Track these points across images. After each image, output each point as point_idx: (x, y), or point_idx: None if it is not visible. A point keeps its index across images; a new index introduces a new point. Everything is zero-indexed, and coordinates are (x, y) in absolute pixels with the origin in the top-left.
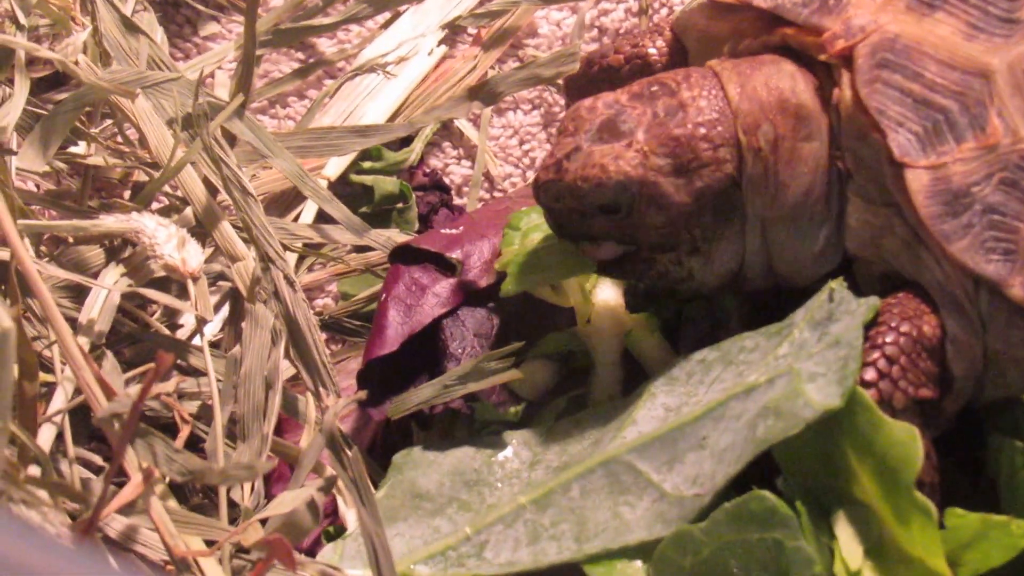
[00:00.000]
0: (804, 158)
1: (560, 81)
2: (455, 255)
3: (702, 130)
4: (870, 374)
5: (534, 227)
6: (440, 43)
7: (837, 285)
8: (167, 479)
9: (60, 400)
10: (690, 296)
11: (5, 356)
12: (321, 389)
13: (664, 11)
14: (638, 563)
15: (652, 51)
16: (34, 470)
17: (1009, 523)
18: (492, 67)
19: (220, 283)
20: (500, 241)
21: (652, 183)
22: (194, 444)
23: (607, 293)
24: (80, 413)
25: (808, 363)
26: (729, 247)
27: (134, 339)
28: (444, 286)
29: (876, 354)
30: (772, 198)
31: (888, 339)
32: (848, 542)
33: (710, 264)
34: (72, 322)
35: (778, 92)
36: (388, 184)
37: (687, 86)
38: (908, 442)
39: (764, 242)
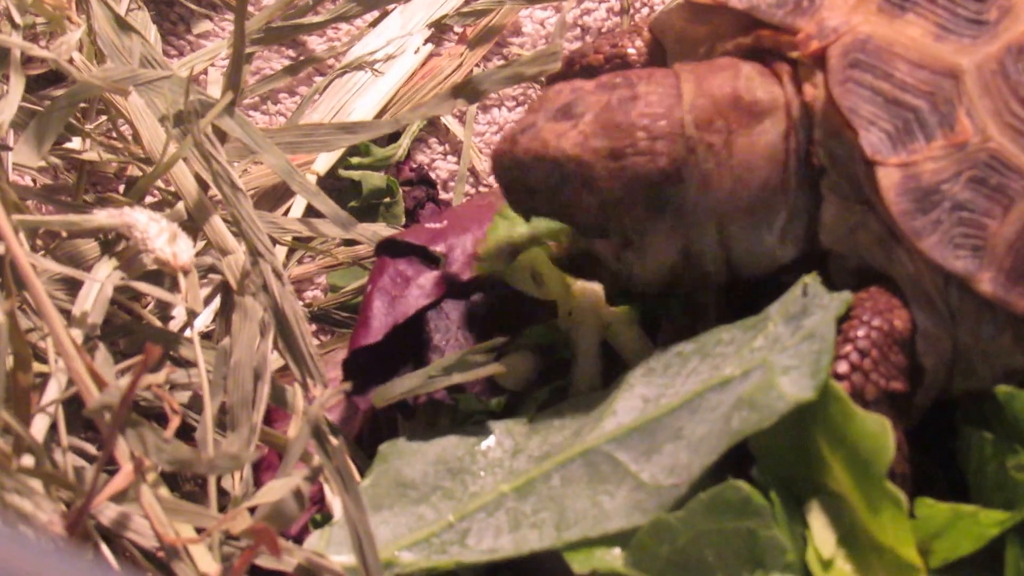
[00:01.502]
0: (760, 152)
1: (543, 79)
2: (439, 248)
3: (643, 120)
4: (842, 367)
5: (515, 224)
6: (426, 41)
7: (811, 280)
8: (158, 468)
9: (54, 391)
10: (639, 293)
11: None
12: (308, 380)
13: (645, 10)
14: (616, 550)
15: (631, 51)
16: (28, 460)
17: (978, 513)
18: (477, 65)
19: (211, 276)
20: (483, 234)
21: (586, 163)
22: (185, 433)
23: (588, 287)
24: (74, 403)
25: (782, 356)
26: (662, 243)
27: (127, 330)
28: (428, 278)
29: (848, 347)
30: (729, 192)
31: (860, 333)
32: (821, 531)
33: (643, 259)
34: (66, 314)
35: (732, 89)
36: (376, 179)
37: (646, 82)
38: (880, 433)
39: (720, 236)
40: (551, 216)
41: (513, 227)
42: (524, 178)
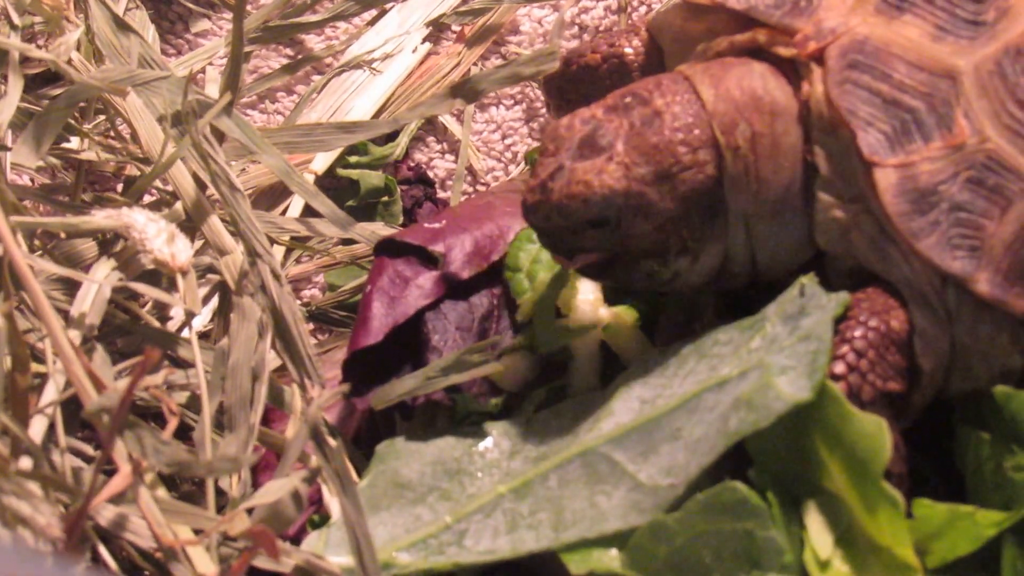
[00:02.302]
0: (783, 152)
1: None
2: (438, 248)
3: (679, 135)
4: (839, 367)
5: (535, 262)
6: (424, 40)
7: (808, 280)
8: (156, 470)
9: (52, 392)
10: (674, 294)
11: None
12: (306, 380)
13: (643, 9)
14: (614, 551)
15: (628, 50)
16: (26, 462)
17: (975, 513)
18: (475, 63)
19: (209, 276)
20: (481, 234)
21: (637, 193)
22: (183, 433)
23: (586, 287)
24: (72, 403)
25: (779, 357)
26: (716, 245)
27: (125, 331)
28: (427, 278)
29: (845, 348)
30: (755, 194)
31: (857, 333)
32: (818, 532)
33: (697, 263)
34: (64, 314)
35: (751, 91)
36: (373, 178)
37: (659, 93)
38: (876, 434)
39: (748, 237)
40: (601, 250)
41: (534, 278)
42: (568, 223)
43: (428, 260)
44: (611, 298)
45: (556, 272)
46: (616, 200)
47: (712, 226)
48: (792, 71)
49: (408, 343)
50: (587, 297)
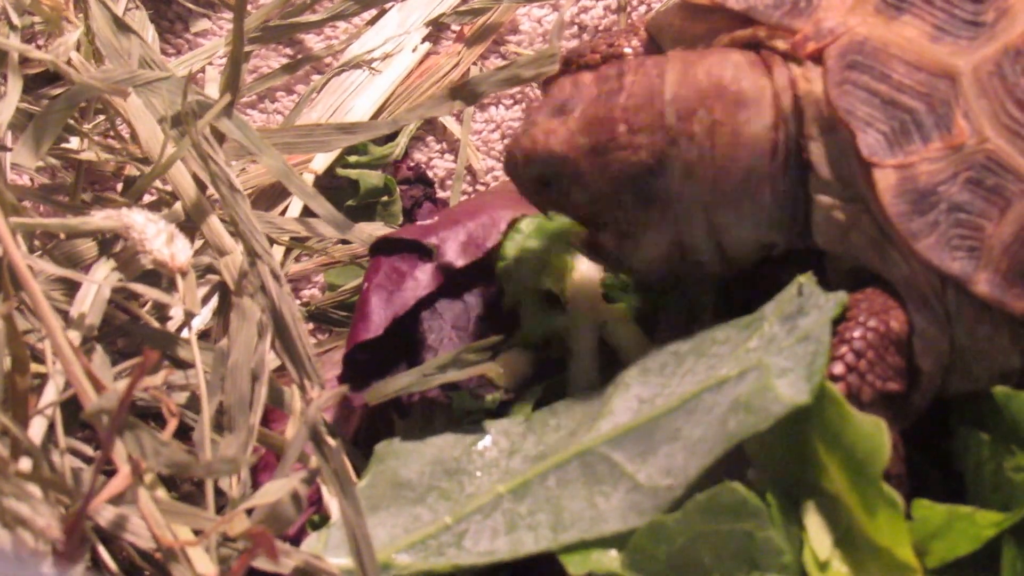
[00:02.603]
0: (743, 142)
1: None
2: (432, 241)
3: (624, 113)
4: (838, 368)
5: (525, 252)
6: (424, 40)
7: (806, 280)
8: (155, 471)
9: (52, 393)
10: (642, 284)
11: None
12: (306, 381)
13: (643, 8)
14: (613, 552)
15: (628, 51)
16: (25, 463)
17: (975, 514)
18: (475, 63)
19: (209, 276)
20: (474, 224)
21: (572, 160)
22: (183, 432)
23: (585, 283)
24: (72, 403)
25: (778, 357)
26: (655, 235)
27: (125, 331)
28: (423, 271)
29: (844, 348)
30: (711, 182)
31: (856, 334)
32: (817, 533)
33: (639, 251)
34: (64, 315)
35: (718, 79)
36: (373, 178)
37: (633, 71)
38: (875, 435)
39: (711, 226)
40: (555, 209)
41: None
42: (523, 175)
43: (423, 254)
44: (610, 296)
45: (539, 258)
46: (554, 163)
47: (647, 213)
48: (782, 62)
49: (405, 342)
50: (586, 294)
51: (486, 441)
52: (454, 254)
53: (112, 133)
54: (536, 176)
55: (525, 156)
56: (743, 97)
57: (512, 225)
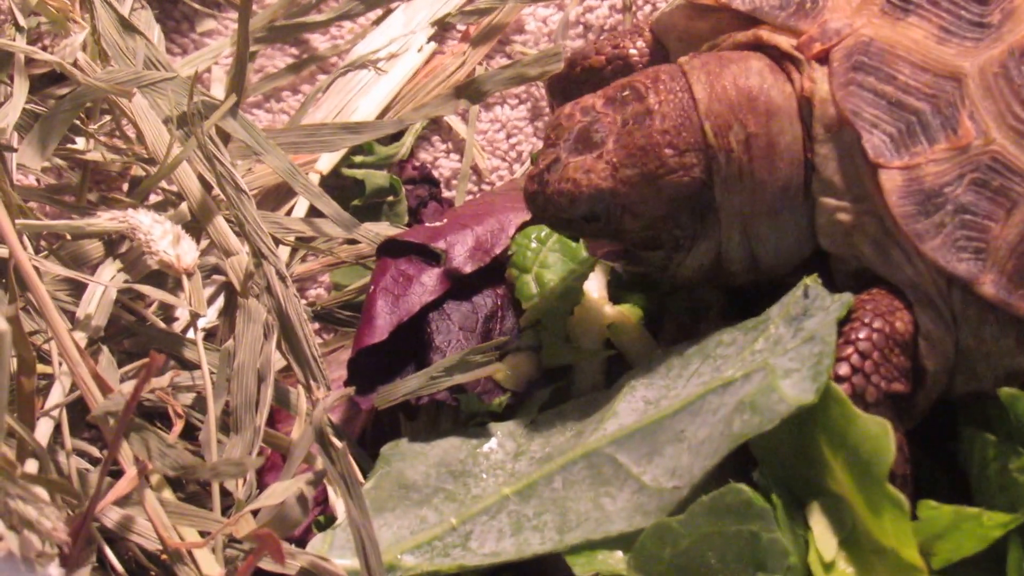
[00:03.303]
0: (780, 153)
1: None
2: (439, 245)
3: (667, 137)
4: (843, 369)
5: (543, 266)
6: (430, 40)
7: (812, 282)
8: (162, 473)
9: (58, 394)
10: (671, 288)
11: (1, 358)
12: (312, 382)
13: (648, 8)
14: (619, 554)
15: (633, 51)
16: (32, 464)
17: (981, 515)
18: (480, 63)
19: (215, 276)
20: (482, 229)
21: (623, 194)
22: (189, 432)
23: (591, 286)
24: (79, 404)
25: (783, 359)
26: (706, 244)
27: (131, 332)
28: (430, 275)
29: (849, 349)
30: (750, 195)
31: (861, 335)
32: (822, 533)
33: (687, 261)
34: (71, 316)
35: (747, 91)
36: (379, 178)
37: (655, 91)
38: (881, 436)
39: (745, 237)
40: (600, 238)
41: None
42: (562, 215)
43: (431, 258)
44: (616, 296)
45: (567, 284)
46: (603, 199)
47: (702, 225)
48: (792, 65)
49: (412, 343)
50: (592, 296)
51: (492, 443)
52: (462, 260)
53: (118, 133)
54: (583, 215)
55: (570, 198)
56: (773, 106)
57: (520, 229)
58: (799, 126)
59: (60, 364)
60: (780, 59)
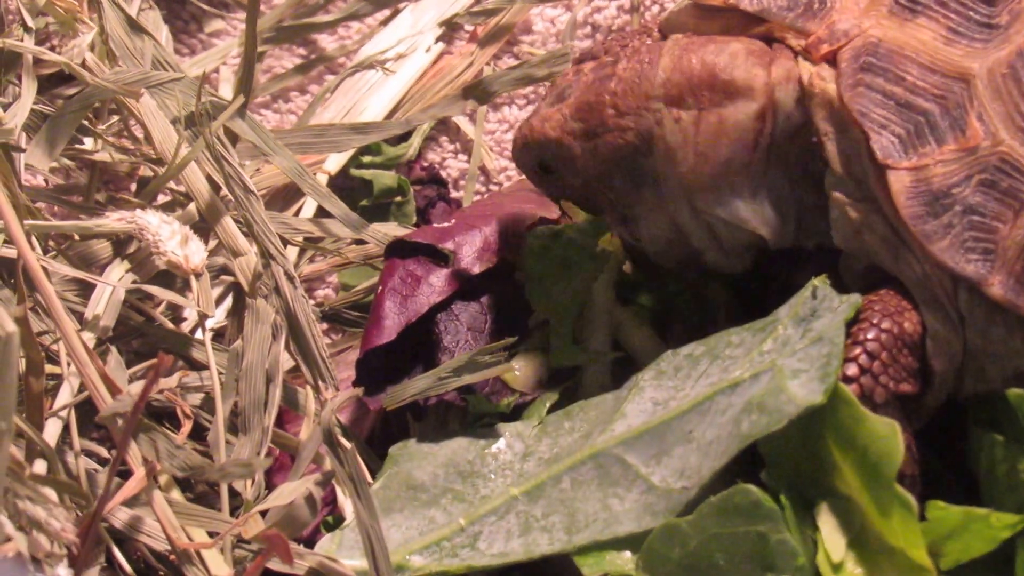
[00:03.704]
0: (726, 131)
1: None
2: (447, 246)
3: (613, 98)
4: (851, 369)
5: (552, 273)
6: (438, 40)
7: (820, 283)
8: (170, 473)
9: (66, 394)
10: (656, 267)
11: (9, 359)
12: (320, 382)
13: (656, 8)
14: (627, 554)
15: None
16: (40, 465)
17: (989, 515)
18: (488, 63)
19: (223, 276)
20: (490, 230)
21: (565, 145)
22: (198, 433)
23: (599, 287)
24: (87, 404)
25: (791, 359)
26: (652, 217)
27: (140, 332)
28: (438, 276)
29: (858, 350)
30: (692, 166)
31: (869, 335)
32: (831, 534)
33: (640, 232)
34: (79, 316)
35: (711, 67)
36: (387, 178)
37: (626, 57)
38: (889, 436)
39: (696, 213)
40: (557, 195)
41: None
42: (524, 161)
43: (439, 258)
44: (624, 297)
45: (576, 286)
46: (550, 148)
47: (638, 194)
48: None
49: (420, 344)
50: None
51: (500, 444)
52: (470, 260)
53: (126, 134)
54: (535, 162)
55: (524, 142)
56: (733, 87)
57: (529, 229)
58: (759, 110)
59: (68, 364)
60: (779, 49)
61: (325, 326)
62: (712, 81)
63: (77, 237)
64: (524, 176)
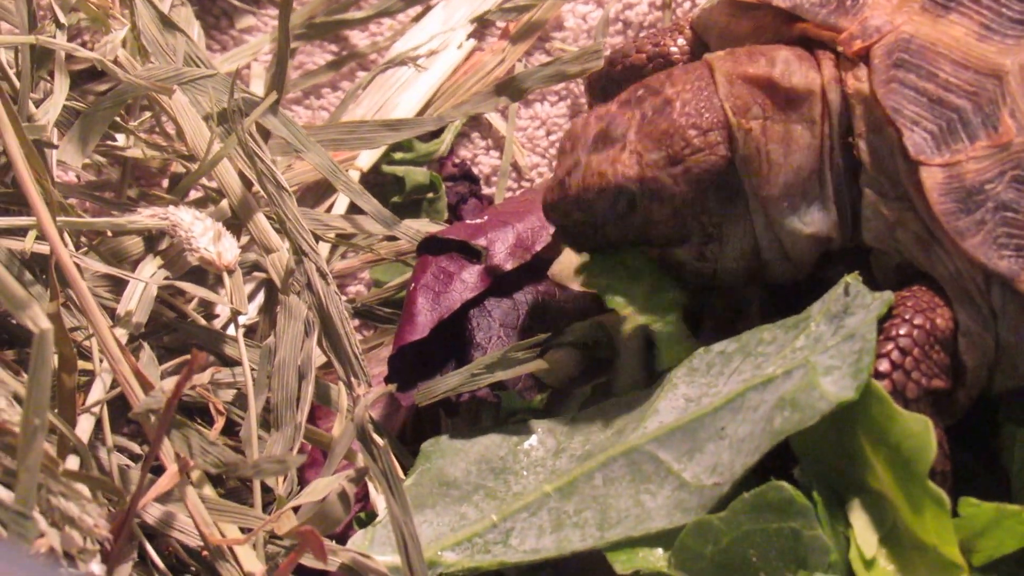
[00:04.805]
0: (795, 138)
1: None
2: (480, 242)
3: (689, 119)
4: (884, 365)
5: (621, 279)
6: (469, 36)
7: (853, 279)
8: (203, 469)
9: (99, 390)
10: (721, 287)
11: (43, 356)
12: (353, 379)
13: (687, 4)
14: (659, 551)
15: (674, 49)
16: (73, 461)
17: (1022, 512)
18: (520, 60)
19: (255, 273)
20: (523, 227)
21: (651, 179)
22: (230, 429)
23: None
24: (120, 400)
25: (824, 356)
26: (738, 227)
27: (172, 328)
28: (471, 272)
29: (890, 346)
30: (764, 177)
31: (902, 331)
32: (863, 530)
33: (725, 249)
34: (111, 312)
35: (767, 76)
36: (418, 175)
37: (670, 83)
38: (921, 433)
39: (767, 221)
40: (623, 243)
41: None
42: (587, 217)
43: (471, 255)
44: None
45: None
46: (631, 187)
47: (730, 208)
48: (838, 62)
49: (453, 340)
50: None
51: (532, 440)
52: (503, 257)
53: (158, 130)
54: (608, 208)
55: (597, 190)
56: (794, 93)
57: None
58: (819, 114)
59: (101, 361)
60: (820, 51)
61: (357, 322)
62: (773, 88)
63: (110, 233)
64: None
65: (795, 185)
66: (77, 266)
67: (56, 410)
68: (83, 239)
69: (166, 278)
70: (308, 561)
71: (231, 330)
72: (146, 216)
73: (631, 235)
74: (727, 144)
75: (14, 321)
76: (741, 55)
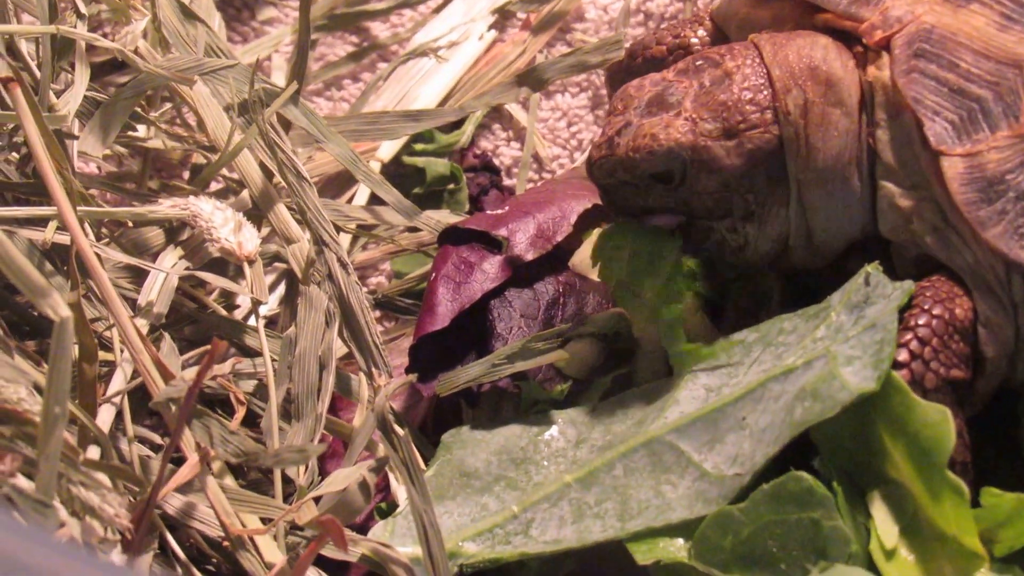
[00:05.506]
0: (834, 123)
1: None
2: (501, 233)
3: (748, 94)
4: (903, 355)
5: (637, 273)
6: (490, 28)
7: (873, 269)
8: (223, 459)
9: (120, 381)
10: (745, 267)
11: (63, 346)
12: (373, 369)
13: None
14: (680, 541)
15: (694, 40)
16: (94, 451)
17: None
18: (541, 51)
19: (276, 264)
20: (544, 217)
21: (703, 147)
22: (251, 420)
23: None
24: (140, 391)
25: (844, 346)
26: (780, 211)
27: (192, 319)
28: (491, 263)
29: (909, 335)
30: (804, 161)
31: (921, 321)
32: (884, 521)
33: (764, 229)
34: (132, 303)
35: (809, 60)
36: (439, 166)
37: (731, 57)
38: (941, 423)
39: (801, 206)
40: (666, 210)
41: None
42: (632, 178)
43: (492, 245)
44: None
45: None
46: (682, 153)
47: (776, 190)
48: (860, 52)
49: (473, 331)
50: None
51: (553, 431)
52: (524, 247)
53: (179, 121)
54: (658, 172)
55: (648, 151)
56: (833, 79)
57: (584, 221)
58: (856, 101)
59: (122, 351)
60: (846, 43)
61: (378, 313)
62: (813, 73)
63: (130, 224)
64: (585, 173)
65: (833, 170)
66: (98, 256)
67: (77, 400)
68: (104, 230)
69: (187, 268)
70: (329, 551)
71: (252, 321)
72: (167, 206)
73: (672, 203)
74: (780, 126)
75: (35, 312)
76: (781, 39)
